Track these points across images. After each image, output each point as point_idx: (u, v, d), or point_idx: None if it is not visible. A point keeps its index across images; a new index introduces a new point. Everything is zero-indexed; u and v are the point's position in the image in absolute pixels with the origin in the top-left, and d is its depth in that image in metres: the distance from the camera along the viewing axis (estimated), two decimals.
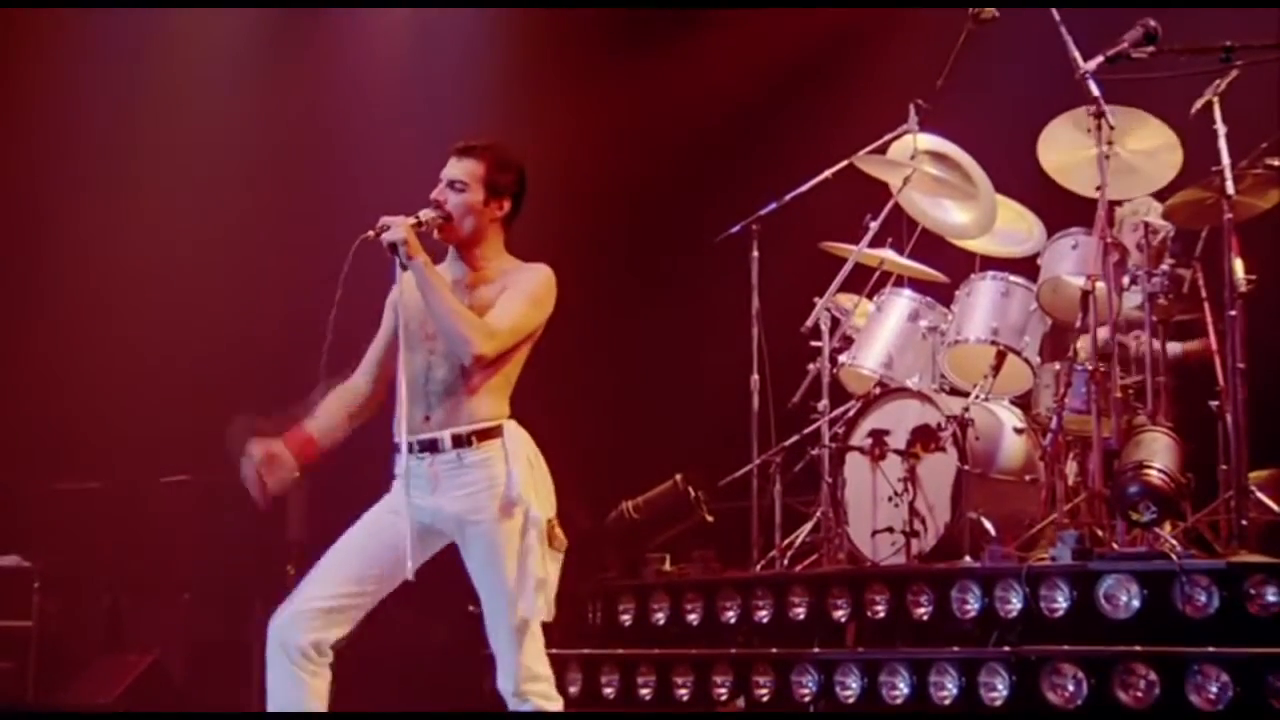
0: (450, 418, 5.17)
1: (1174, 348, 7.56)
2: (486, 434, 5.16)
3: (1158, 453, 6.70)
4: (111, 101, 9.80)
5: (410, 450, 5.21)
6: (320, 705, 5.14)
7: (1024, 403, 7.86)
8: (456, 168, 5.27)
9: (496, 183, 5.26)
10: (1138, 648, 6.18)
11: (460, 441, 5.16)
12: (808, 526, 7.87)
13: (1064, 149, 7.56)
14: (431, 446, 5.19)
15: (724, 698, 7.18)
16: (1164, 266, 7.23)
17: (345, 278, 5.14)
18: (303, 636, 5.12)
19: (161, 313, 9.64)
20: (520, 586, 5.09)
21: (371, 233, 5.14)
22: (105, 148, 9.76)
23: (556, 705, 5.20)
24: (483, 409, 5.17)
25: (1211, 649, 6.04)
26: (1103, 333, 7.00)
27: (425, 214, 5.21)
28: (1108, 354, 7.03)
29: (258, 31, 9.97)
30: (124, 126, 9.81)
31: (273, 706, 5.17)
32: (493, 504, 5.12)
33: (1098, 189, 7.04)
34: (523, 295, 5.21)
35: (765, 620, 7.36)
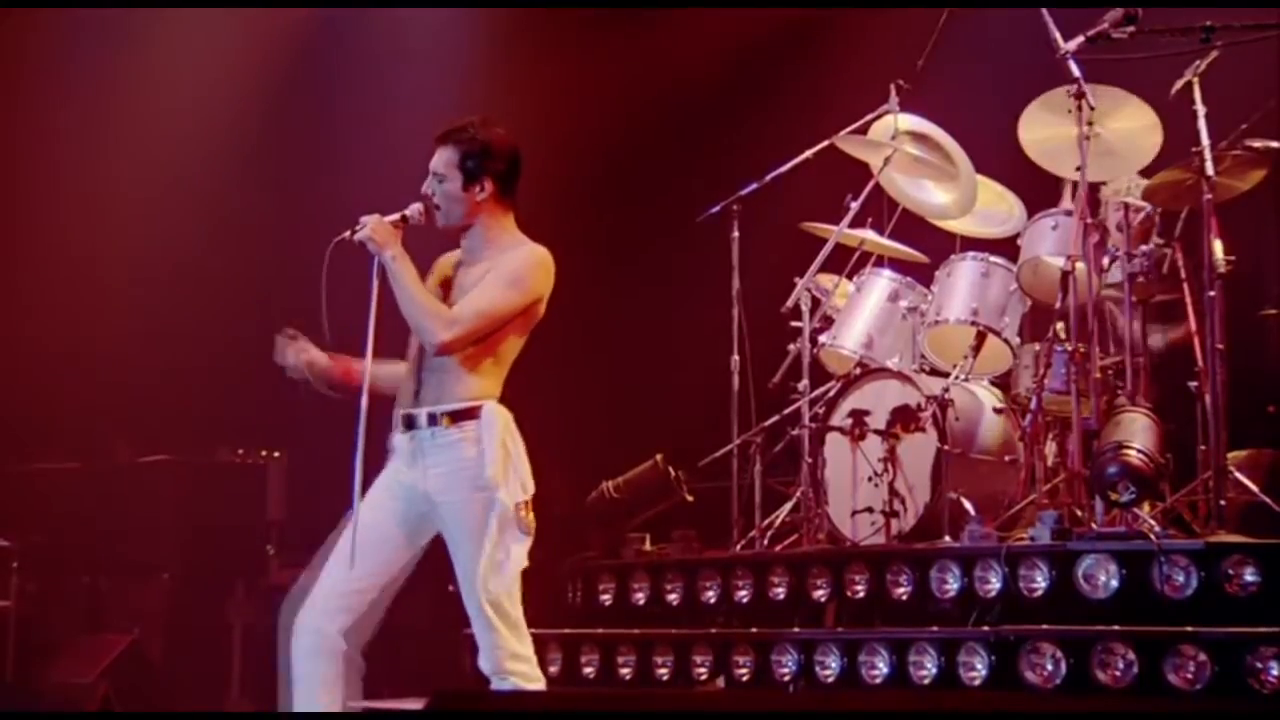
0: (435, 395, 5.23)
1: (1157, 340, 7.58)
2: (463, 414, 5.18)
3: (1137, 433, 6.72)
4: (91, 88, 9.76)
5: (396, 424, 5.27)
6: (334, 697, 5.17)
7: (1004, 383, 7.86)
8: (436, 158, 5.36)
9: (471, 168, 5.29)
10: (1116, 627, 6.20)
11: (435, 420, 5.19)
12: (788, 506, 7.87)
13: (1045, 130, 7.54)
14: (412, 422, 5.22)
15: (704, 677, 7.18)
16: (1145, 247, 7.24)
17: (326, 276, 5.20)
18: (326, 625, 5.16)
19: (141, 294, 9.62)
20: (489, 567, 5.11)
21: (348, 233, 5.24)
22: (83, 130, 9.72)
23: (538, 685, 5.22)
24: (466, 389, 5.20)
25: (1190, 629, 6.06)
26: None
27: (411, 210, 5.31)
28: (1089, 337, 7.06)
29: (240, 27, 9.94)
30: (103, 111, 9.77)
31: (293, 700, 5.19)
32: (462, 485, 5.16)
33: (1078, 170, 7.05)
34: (498, 278, 5.24)
35: (745, 600, 7.37)
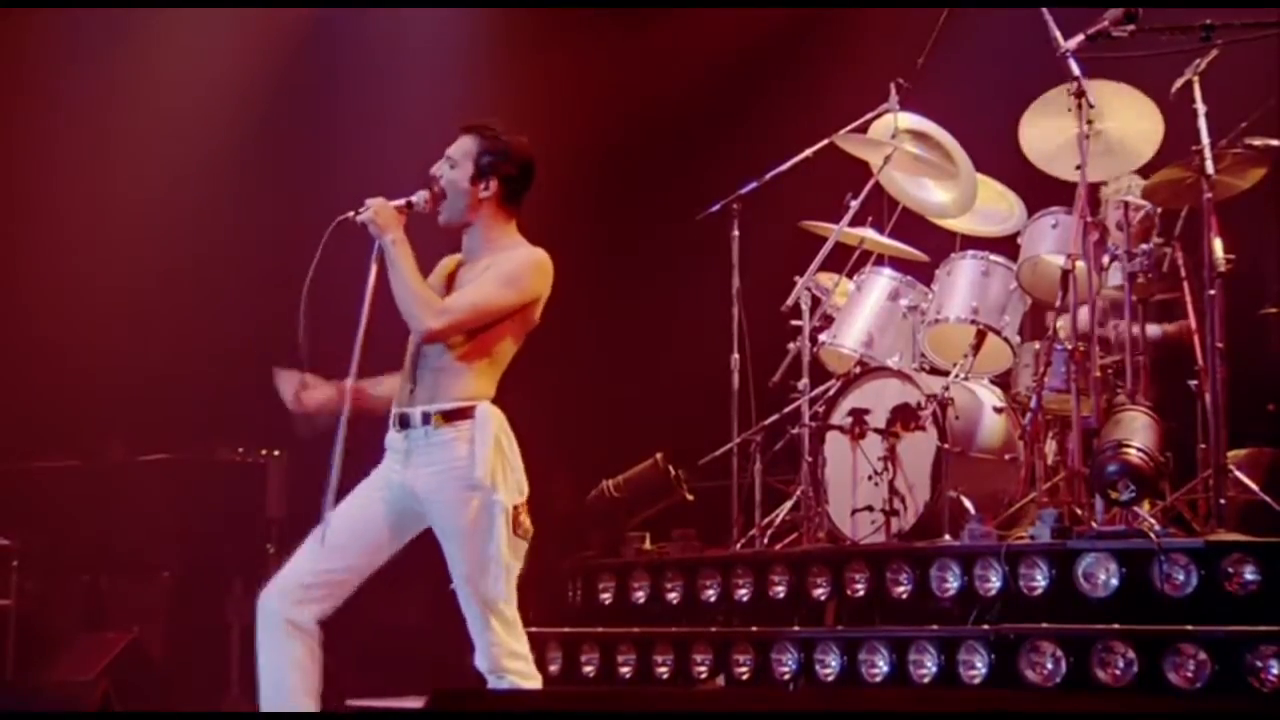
0: (429, 394, 5.23)
1: (1154, 330, 7.57)
2: (456, 414, 5.18)
3: (1137, 432, 6.71)
4: (91, 88, 9.76)
5: (391, 423, 5.27)
6: (306, 676, 5.16)
7: (1004, 382, 7.87)
8: (455, 144, 5.38)
9: (484, 163, 5.31)
10: (1116, 626, 6.20)
11: (429, 419, 5.19)
12: (788, 505, 7.87)
13: (1045, 133, 7.52)
14: (406, 421, 5.22)
15: (704, 676, 7.19)
16: (1145, 245, 7.24)
17: (321, 255, 5.23)
18: (288, 610, 5.16)
19: (140, 292, 9.62)
20: (482, 567, 5.11)
21: (351, 213, 5.25)
22: (83, 130, 9.73)
23: (535, 682, 5.22)
24: (460, 388, 5.20)
25: (1190, 627, 6.07)
26: (1084, 314, 7.00)
27: (417, 196, 5.33)
28: (1089, 336, 7.04)
29: (240, 26, 9.94)
30: (103, 110, 9.78)
31: (262, 681, 5.20)
32: (454, 485, 5.15)
33: (1077, 168, 7.04)
34: (495, 276, 5.26)
35: (745, 599, 7.37)
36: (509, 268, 5.26)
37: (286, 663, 5.16)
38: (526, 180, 5.39)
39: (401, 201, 5.29)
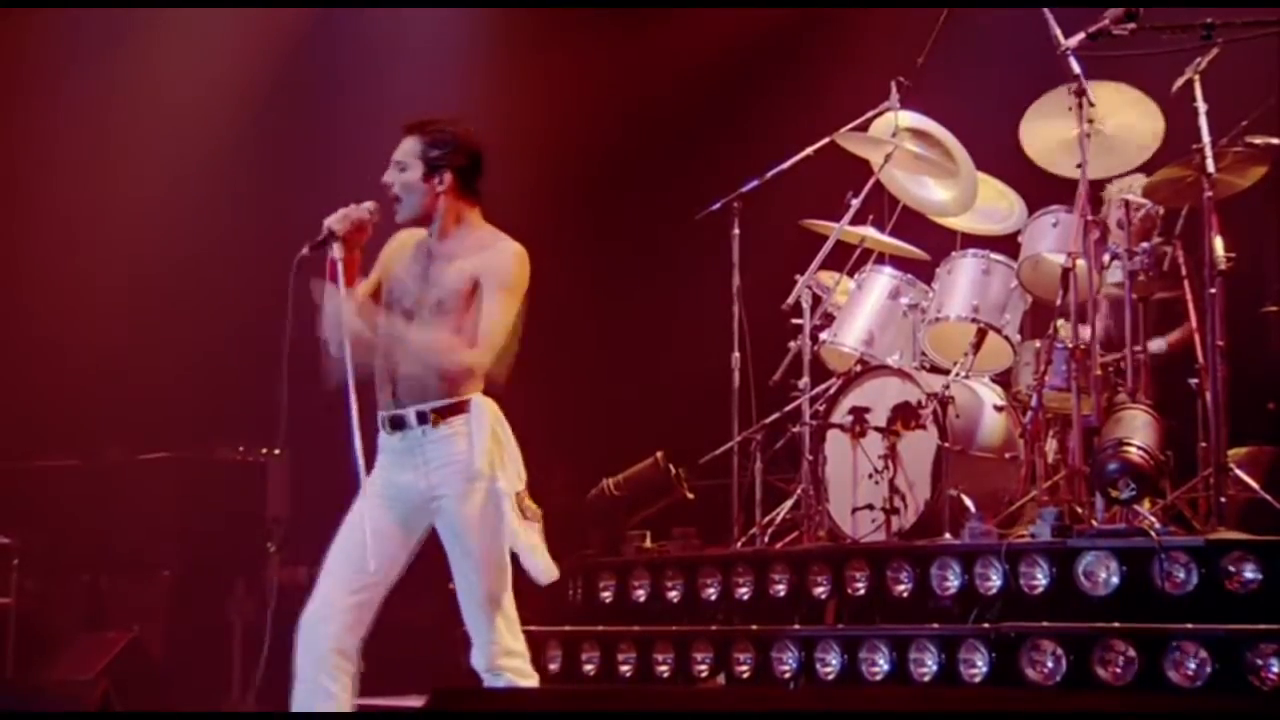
0: (419, 393, 5.22)
1: (1157, 344, 7.57)
2: (451, 410, 5.18)
3: (1137, 430, 6.71)
4: (91, 88, 9.77)
5: (382, 426, 5.24)
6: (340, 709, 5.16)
7: (1004, 380, 7.87)
8: (400, 147, 5.35)
9: (432, 158, 5.29)
10: (1117, 625, 6.20)
11: (424, 418, 5.18)
12: (788, 504, 7.87)
13: (1046, 132, 7.54)
14: (400, 422, 5.20)
15: (704, 674, 7.19)
16: (1146, 244, 7.23)
17: (293, 294, 5.22)
18: (338, 638, 5.14)
19: (140, 291, 9.62)
20: (487, 562, 5.12)
21: (324, 234, 5.23)
22: (82, 130, 9.73)
23: (532, 681, 5.22)
24: (451, 385, 5.20)
25: (1190, 626, 6.07)
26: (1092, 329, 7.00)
27: (366, 207, 5.25)
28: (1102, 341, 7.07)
29: (239, 26, 9.94)
30: (103, 110, 9.78)
31: (295, 704, 5.18)
32: (457, 480, 5.15)
33: (1078, 166, 7.04)
34: (497, 288, 5.22)
35: (746, 597, 7.37)
36: (503, 275, 5.23)
37: (323, 698, 5.13)
38: (478, 168, 5.36)
39: (348, 225, 5.20)
